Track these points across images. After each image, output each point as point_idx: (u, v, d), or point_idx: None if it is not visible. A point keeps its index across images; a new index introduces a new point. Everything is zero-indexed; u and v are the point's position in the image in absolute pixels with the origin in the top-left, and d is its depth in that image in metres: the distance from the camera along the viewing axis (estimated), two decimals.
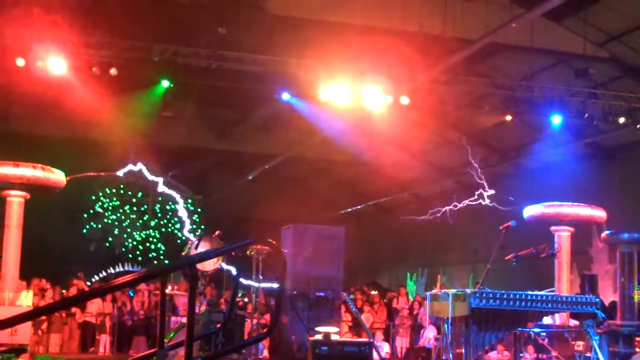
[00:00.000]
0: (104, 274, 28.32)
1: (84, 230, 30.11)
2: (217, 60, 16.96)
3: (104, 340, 20.48)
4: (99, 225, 30.37)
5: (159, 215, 30.45)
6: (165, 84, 17.77)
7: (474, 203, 18.08)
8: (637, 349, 11.88)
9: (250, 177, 29.06)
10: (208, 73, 17.34)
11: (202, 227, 26.91)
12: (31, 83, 16.64)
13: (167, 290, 12.95)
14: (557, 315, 14.37)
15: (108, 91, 17.79)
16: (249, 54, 17.21)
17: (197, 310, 11.68)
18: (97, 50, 16.32)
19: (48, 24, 15.51)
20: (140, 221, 30.42)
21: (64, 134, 22.40)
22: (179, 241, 29.05)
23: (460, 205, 18.41)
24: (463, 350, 10.31)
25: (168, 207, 30.58)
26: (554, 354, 13.93)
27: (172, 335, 11.21)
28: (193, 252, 12.05)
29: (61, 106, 18.51)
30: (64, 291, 20.99)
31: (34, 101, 19.23)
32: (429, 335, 20.84)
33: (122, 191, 29.22)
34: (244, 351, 12.04)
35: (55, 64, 15.97)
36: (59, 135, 22.48)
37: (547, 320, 14.78)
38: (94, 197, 29.75)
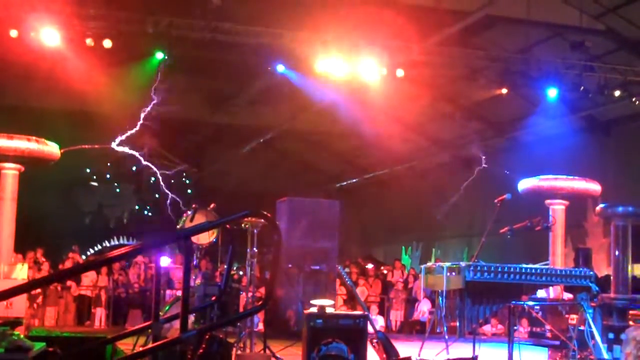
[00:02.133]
0: (99, 247, 28.38)
1: (79, 203, 30.10)
2: (211, 32, 16.86)
3: (100, 313, 20.52)
4: (94, 198, 30.36)
5: (154, 188, 30.43)
6: (159, 56, 17.68)
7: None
8: (631, 322, 11.91)
9: (245, 150, 29.01)
10: (202, 45, 17.25)
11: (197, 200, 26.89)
12: (25, 54, 16.53)
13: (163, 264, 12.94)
14: (551, 288, 14.43)
15: (102, 63, 17.69)
16: (243, 26, 17.11)
17: (192, 284, 11.70)
18: (91, 21, 16.20)
19: None
20: (135, 194, 30.42)
21: (58, 106, 22.29)
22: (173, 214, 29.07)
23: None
24: (457, 324, 10.34)
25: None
26: (547, 327, 13.98)
27: (167, 308, 11.20)
28: (188, 225, 12.03)
29: (55, 78, 18.41)
30: (59, 265, 21.00)
31: (27, 73, 19.11)
32: (424, 308, 20.95)
33: (117, 164, 29.17)
34: (239, 324, 12.06)
35: (48, 35, 15.88)
36: (53, 107, 22.37)
37: (541, 293, 14.84)
38: (88, 170, 29.72)
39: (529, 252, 18.94)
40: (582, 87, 18.45)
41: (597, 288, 11.90)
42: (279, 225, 6.35)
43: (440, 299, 10.51)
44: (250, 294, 12.41)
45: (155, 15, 16.60)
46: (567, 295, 13.33)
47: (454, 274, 10.09)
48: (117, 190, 30.29)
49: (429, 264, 11.18)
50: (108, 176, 29.92)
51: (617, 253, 13.38)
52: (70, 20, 15.98)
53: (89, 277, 20.49)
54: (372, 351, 10.07)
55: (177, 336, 5.22)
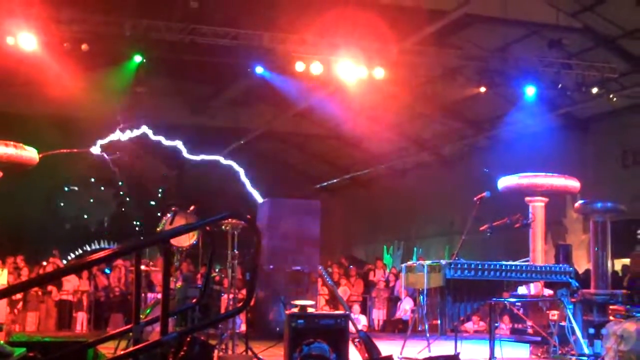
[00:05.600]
0: (80, 251, 28.26)
1: (59, 208, 29.98)
2: (190, 34, 16.83)
3: (81, 317, 20.44)
4: (74, 203, 30.24)
5: (134, 191, 30.33)
6: (137, 59, 17.64)
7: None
8: (611, 317, 12.01)
9: (225, 152, 28.96)
10: (181, 47, 17.21)
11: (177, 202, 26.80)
12: (2, 59, 16.44)
13: (143, 267, 12.91)
14: (531, 285, 14.49)
15: (80, 67, 17.63)
16: (222, 28, 17.09)
17: (173, 286, 11.67)
18: (69, 25, 16.11)
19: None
20: (116, 198, 30.32)
21: (36, 111, 22.18)
22: (154, 217, 29.02)
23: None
24: (439, 321, 10.39)
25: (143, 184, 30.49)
26: (529, 323, 14.07)
27: (148, 311, 11.17)
28: (168, 227, 12.00)
29: (33, 83, 18.34)
30: (40, 270, 20.89)
31: (5, 78, 19.02)
32: (406, 307, 20.99)
33: (96, 168, 29.07)
34: (220, 326, 12.04)
35: (26, 40, 15.78)
36: (32, 112, 22.26)
37: (522, 290, 14.91)
38: (68, 175, 29.60)
39: (509, 249, 19.03)
40: (560, 85, 18.55)
41: (577, 284, 12.01)
42: (260, 226, 6.36)
43: (422, 297, 10.56)
44: (231, 296, 12.41)
45: (133, 18, 16.53)
46: (548, 292, 13.41)
47: (434, 272, 10.14)
48: (98, 194, 30.15)
49: (410, 262, 11.22)
50: (88, 181, 29.78)
51: (596, 249, 13.48)
52: (47, 24, 15.88)
53: (70, 282, 20.40)
54: (354, 350, 10.09)
55: (158, 339, 5.22)
